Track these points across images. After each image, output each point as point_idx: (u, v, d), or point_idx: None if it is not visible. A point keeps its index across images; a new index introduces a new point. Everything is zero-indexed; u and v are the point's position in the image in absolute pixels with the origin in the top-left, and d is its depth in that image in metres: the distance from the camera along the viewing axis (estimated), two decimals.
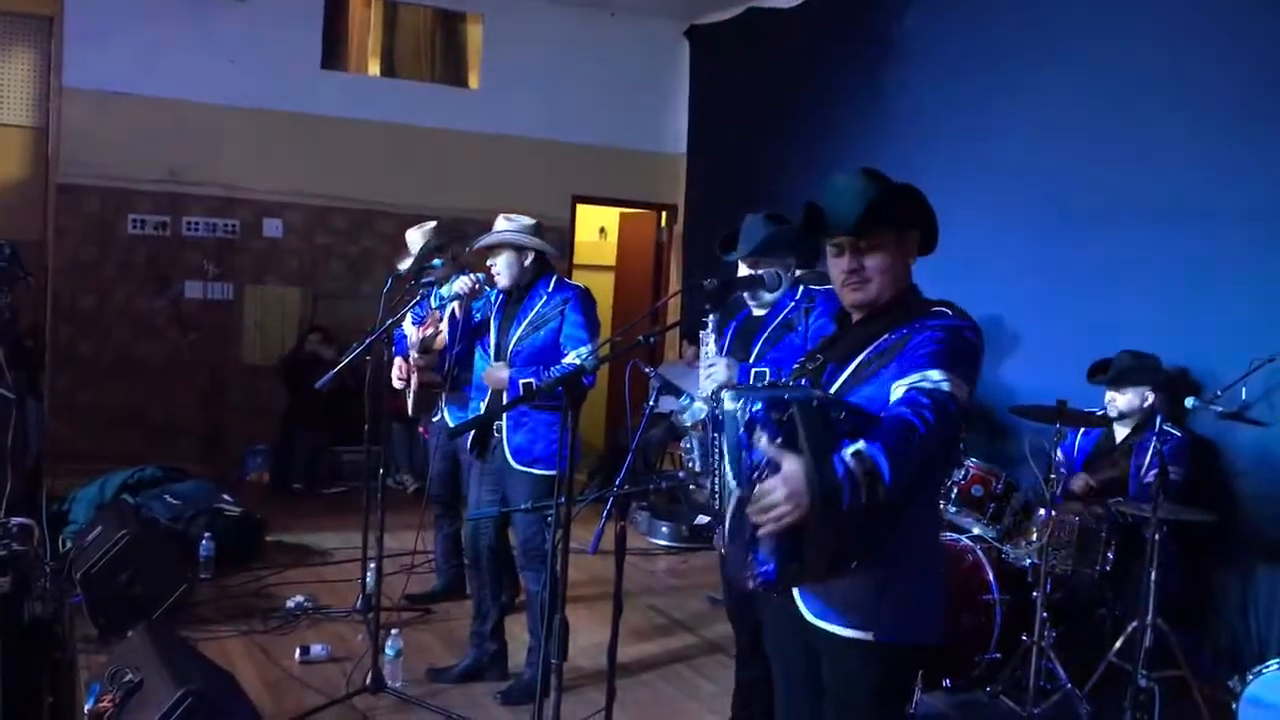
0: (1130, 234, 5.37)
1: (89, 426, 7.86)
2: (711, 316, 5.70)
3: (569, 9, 9.10)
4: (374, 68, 9.05)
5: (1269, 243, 4.78)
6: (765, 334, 3.63)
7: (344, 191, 8.62)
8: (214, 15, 8.08)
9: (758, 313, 3.71)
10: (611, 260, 10.93)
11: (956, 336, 2.33)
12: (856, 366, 2.41)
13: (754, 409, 2.15)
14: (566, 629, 4.20)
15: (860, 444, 2.11)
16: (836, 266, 2.47)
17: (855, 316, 2.52)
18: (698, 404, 3.48)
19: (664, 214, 9.92)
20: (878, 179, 2.46)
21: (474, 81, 9.22)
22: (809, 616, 2.41)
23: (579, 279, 9.66)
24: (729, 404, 2.26)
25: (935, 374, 2.25)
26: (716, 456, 2.37)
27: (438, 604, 5.55)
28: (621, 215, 10.68)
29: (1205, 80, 5.07)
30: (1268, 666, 4.27)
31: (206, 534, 5.73)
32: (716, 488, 2.40)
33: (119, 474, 6.31)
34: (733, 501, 2.30)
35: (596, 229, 11.43)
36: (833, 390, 2.41)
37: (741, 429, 2.19)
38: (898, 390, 2.27)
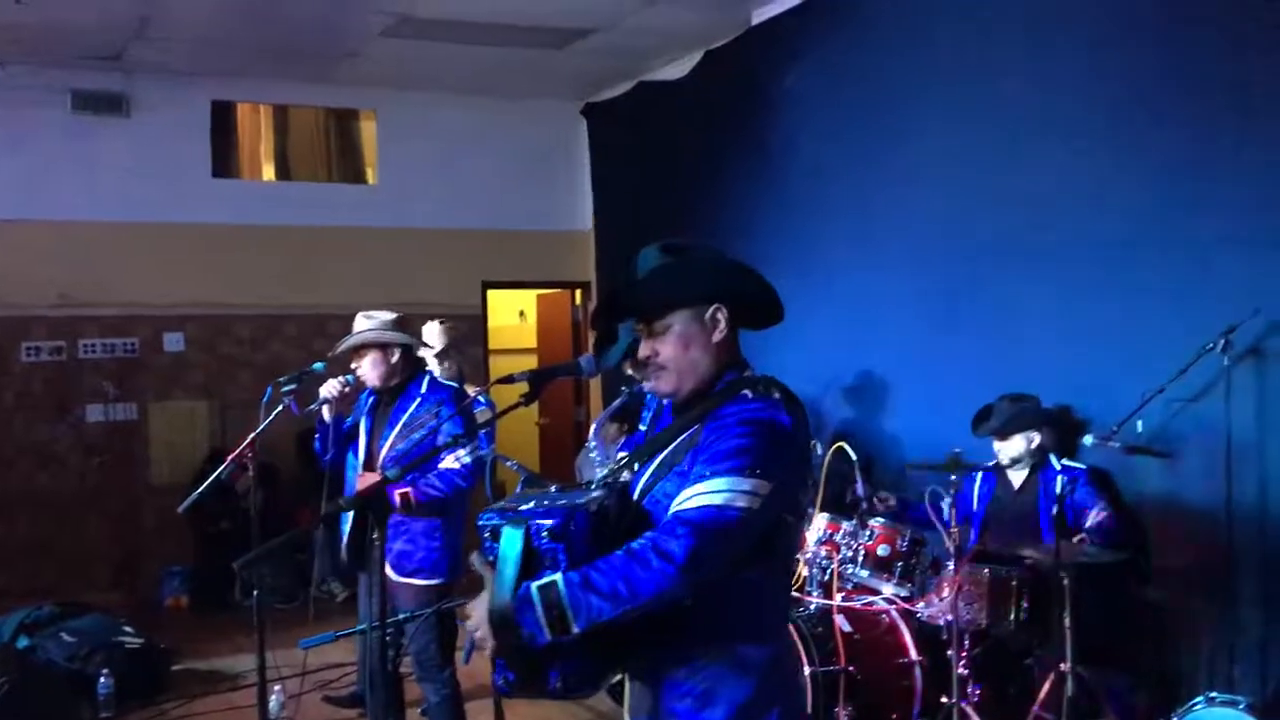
0: (1013, 273, 5.33)
1: None
2: (603, 414, 5.69)
3: (462, 98, 8.97)
4: (268, 172, 8.95)
5: (1140, 271, 4.75)
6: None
7: (246, 299, 8.43)
8: (96, 133, 7.95)
9: None
10: (532, 343, 10.81)
11: (752, 426, 2.10)
12: (658, 463, 2.21)
13: (482, 528, 2.16)
14: None
15: (555, 577, 2.01)
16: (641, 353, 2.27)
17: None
18: None
19: (578, 292, 9.84)
20: (671, 252, 2.23)
21: (372, 177, 9.15)
22: None
23: (498, 365, 9.70)
24: (482, 518, 2.21)
25: (720, 483, 2.05)
26: None
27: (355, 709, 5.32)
28: (539, 297, 10.59)
29: (1075, 111, 5.08)
30: (1194, 705, 4.15)
31: (104, 671, 5.44)
32: None
33: (15, 614, 6.03)
34: None
35: (516, 313, 11.34)
36: (637, 489, 2.24)
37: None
38: (672, 507, 2.11)
